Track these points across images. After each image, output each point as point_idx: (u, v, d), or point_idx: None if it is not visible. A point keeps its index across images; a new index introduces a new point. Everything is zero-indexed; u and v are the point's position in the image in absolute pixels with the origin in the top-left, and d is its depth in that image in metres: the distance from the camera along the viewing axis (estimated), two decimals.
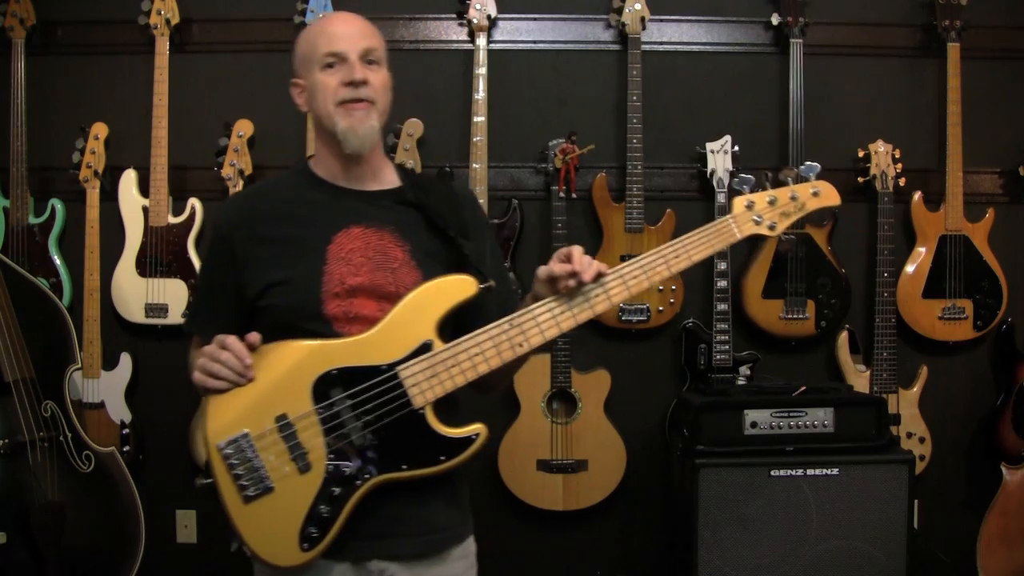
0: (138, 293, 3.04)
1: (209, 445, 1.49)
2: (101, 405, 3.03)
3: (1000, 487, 2.99)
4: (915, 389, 3.11)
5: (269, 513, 1.49)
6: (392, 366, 1.53)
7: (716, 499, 2.58)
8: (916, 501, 2.87)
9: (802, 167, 1.61)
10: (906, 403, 3.10)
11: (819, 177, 1.63)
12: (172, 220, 3.06)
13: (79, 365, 2.82)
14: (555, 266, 1.58)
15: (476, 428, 1.54)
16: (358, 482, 1.50)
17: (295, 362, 1.53)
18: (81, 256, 3.02)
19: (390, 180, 1.72)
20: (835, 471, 2.59)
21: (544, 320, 1.57)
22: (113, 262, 3.05)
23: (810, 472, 2.59)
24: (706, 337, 3.08)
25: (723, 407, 2.70)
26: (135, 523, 2.81)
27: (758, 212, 1.59)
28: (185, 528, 3.21)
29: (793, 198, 1.62)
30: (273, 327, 1.57)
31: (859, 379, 3.08)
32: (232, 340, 1.52)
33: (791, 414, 2.68)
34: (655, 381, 3.21)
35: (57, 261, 3.10)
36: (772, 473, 2.59)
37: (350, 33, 1.64)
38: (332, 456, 1.50)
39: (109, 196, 3.07)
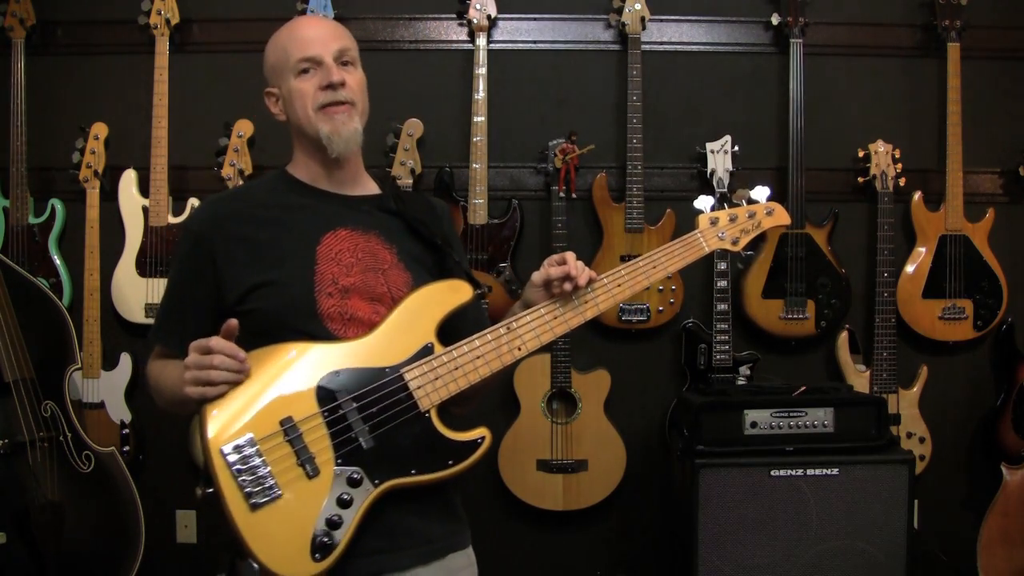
0: (138, 293, 3.04)
1: (211, 451, 1.40)
2: (101, 405, 3.03)
3: (1000, 487, 2.99)
4: (915, 389, 3.11)
5: (278, 521, 1.40)
6: (396, 368, 1.50)
7: (716, 499, 2.58)
8: (916, 501, 2.87)
9: (752, 191, 1.75)
10: (906, 403, 3.10)
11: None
12: (172, 220, 3.06)
13: (79, 365, 2.82)
14: (551, 269, 1.61)
15: (481, 432, 1.52)
16: (368, 487, 1.44)
17: (297, 363, 1.48)
18: (81, 256, 3.02)
19: (370, 187, 1.72)
20: (835, 471, 2.59)
21: (539, 325, 1.59)
22: (113, 262, 3.05)
23: (810, 472, 2.59)
24: (706, 337, 3.08)
25: (723, 407, 2.70)
26: (135, 523, 2.80)
27: (721, 228, 1.72)
28: (185, 528, 3.21)
29: (751, 216, 1.74)
30: (257, 332, 1.52)
31: (859, 379, 3.08)
32: (215, 341, 1.44)
33: (791, 414, 2.68)
34: (655, 381, 3.21)
35: (57, 261, 3.10)
36: (772, 473, 2.59)
37: (321, 36, 1.64)
38: (340, 460, 1.44)
39: (109, 196, 3.07)
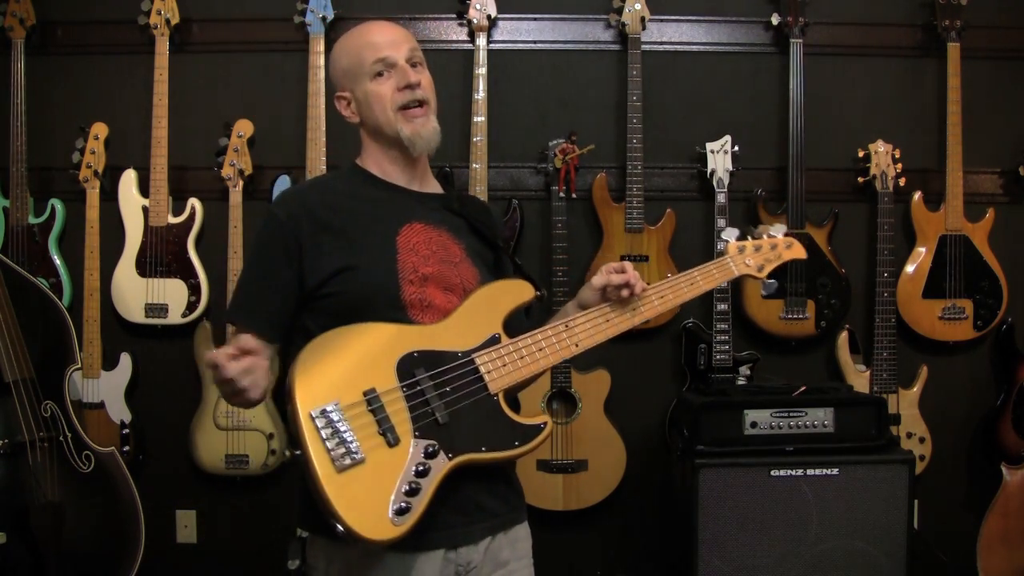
0: (138, 293, 3.04)
1: (300, 414, 1.47)
2: (101, 405, 3.03)
3: (1000, 487, 2.99)
4: (915, 389, 3.11)
5: (361, 484, 1.46)
6: (467, 353, 1.60)
7: (716, 499, 2.58)
8: (916, 501, 2.87)
9: (772, 228, 1.95)
10: (906, 403, 3.10)
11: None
12: (172, 220, 3.06)
13: (79, 365, 2.82)
14: (612, 276, 1.71)
15: (544, 418, 1.62)
16: (444, 460, 1.52)
17: (379, 341, 1.57)
18: (81, 256, 3.02)
19: (435, 186, 1.83)
20: (835, 471, 2.59)
21: (593, 326, 1.70)
22: (113, 262, 3.05)
23: (810, 472, 2.59)
24: (706, 337, 3.08)
25: (723, 407, 2.70)
26: (135, 523, 2.80)
27: (747, 256, 1.90)
28: (185, 528, 3.21)
29: (773, 248, 1.92)
30: (338, 314, 1.59)
31: (859, 379, 3.08)
32: (212, 356, 1.49)
33: (791, 414, 2.68)
34: (655, 381, 3.21)
35: (57, 261, 3.10)
36: (772, 473, 2.59)
37: (394, 39, 1.72)
38: (418, 433, 1.52)
39: (109, 196, 3.07)
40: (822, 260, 3.09)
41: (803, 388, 2.77)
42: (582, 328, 1.68)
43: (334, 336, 1.55)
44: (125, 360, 3.06)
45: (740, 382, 3.02)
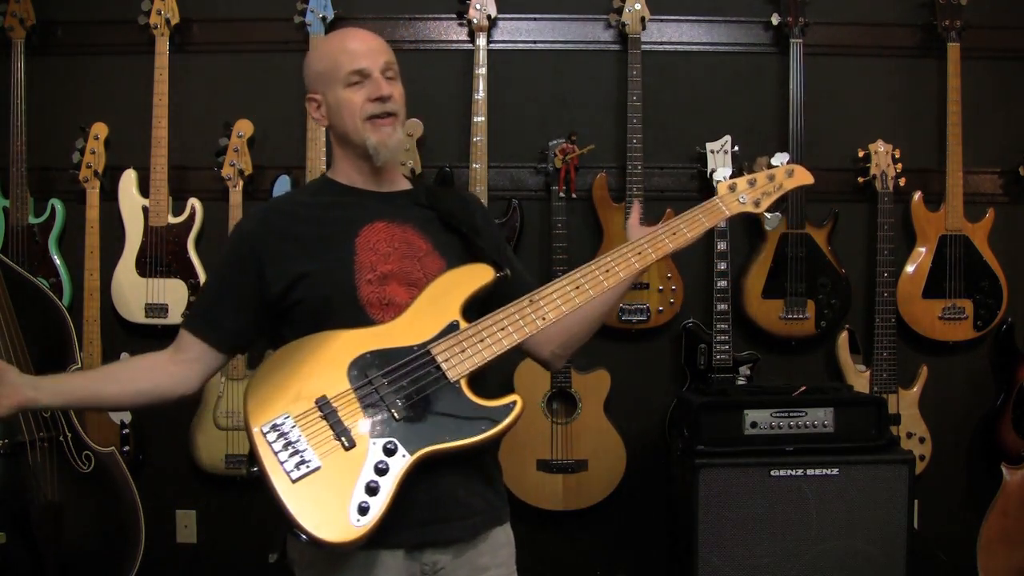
0: (138, 293, 3.04)
1: (252, 431, 1.49)
2: None
3: (1000, 487, 2.99)
4: (915, 389, 3.11)
5: (319, 490, 1.47)
6: (423, 345, 1.58)
7: (716, 499, 2.58)
8: (916, 501, 2.87)
9: (773, 157, 1.79)
10: (906, 403, 3.10)
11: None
12: (172, 220, 3.06)
13: (79, 365, 2.81)
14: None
15: (513, 398, 1.58)
16: (404, 455, 1.50)
17: (331, 348, 1.57)
18: (81, 256, 3.02)
19: (403, 184, 1.82)
20: (835, 471, 2.59)
21: (560, 296, 1.65)
22: (113, 262, 3.05)
23: (810, 472, 2.59)
24: (706, 337, 3.08)
25: (723, 407, 2.70)
26: (135, 523, 2.80)
27: (741, 192, 1.77)
28: (185, 528, 3.21)
29: (771, 178, 1.79)
30: (304, 322, 1.62)
31: (859, 379, 3.08)
32: None
33: (791, 414, 2.68)
34: (655, 381, 3.21)
35: (57, 261, 3.10)
36: (772, 473, 2.59)
37: (371, 49, 1.72)
38: (376, 431, 1.51)
39: (109, 196, 3.08)
40: (822, 260, 3.08)
41: (803, 388, 2.77)
42: (548, 300, 1.64)
43: (284, 353, 1.58)
44: (125, 359, 3.06)
45: (740, 382, 3.02)
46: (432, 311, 1.62)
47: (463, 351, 1.58)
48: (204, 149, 3.08)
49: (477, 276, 1.67)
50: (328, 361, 1.56)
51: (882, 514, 2.59)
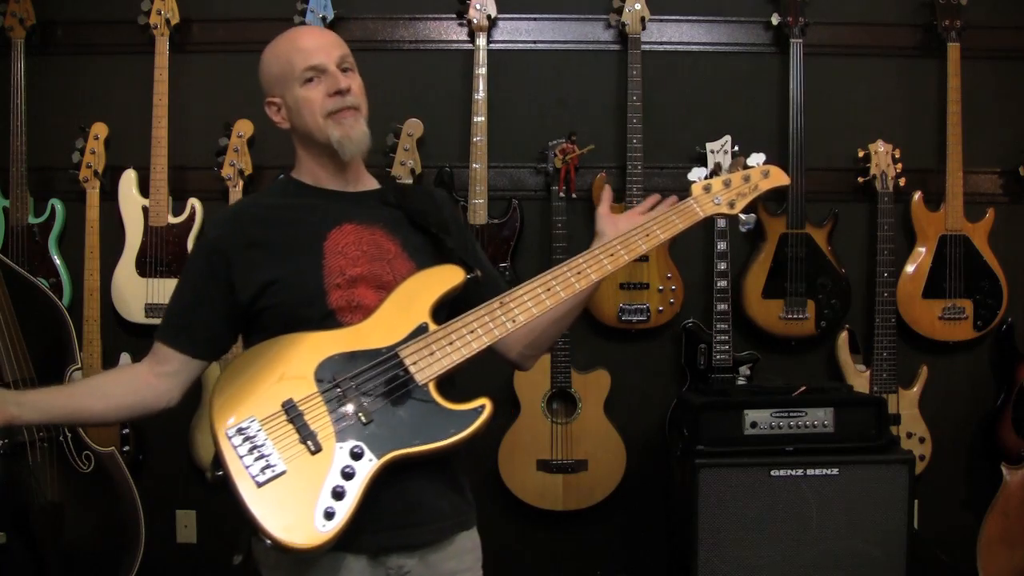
0: (138, 293, 3.04)
1: (217, 435, 1.48)
2: None
3: (1000, 487, 2.99)
4: (915, 389, 3.11)
5: (284, 495, 1.45)
6: (392, 348, 1.56)
7: (716, 499, 2.58)
8: (916, 501, 2.87)
9: (749, 157, 1.78)
10: (906, 403, 3.10)
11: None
12: (172, 220, 3.06)
13: (79, 365, 2.82)
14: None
15: (481, 401, 1.56)
16: (371, 459, 1.48)
17: (298, 351, 1.55)
18: (81, 256, 3.02)
19: (371, 184, 1.79)
20: (835, 471, 2.59)
21: (531, 299, 1.63)
22: (113, 262, 3.05)
23: (810, 472, 2.59)
24: (706, 337, 3.08)
25: (723, 407, 2.70)
26: (135, 523, 2.80)
27: (716, 194, 1.75)
28: (185, 528, 3.21)
29: (746, 179, 1.78)
30: (274, 327, 1.59)
31: (859, 379, 3.08)
32: None
33: (791, 414, 2.68)
34: (655, 381, 3.21)
35: (57, 261, 3.10)
36: (772, 473, 2.59)
37: (323, 44, 1.69)
38: (342, 435, 1.49)
39: (109, 196, 3.07)
40: (822, 260, 3.08)
41: (803, 388, 2.77)
42: (519, 303, 1.61)
43: (251, 354, 1.55)
44: (125, 360, 3.06)
45: (740, 382, 3.02)
46: (401, 313, 1.60)
47: (432, 354, 1.56)
48: (204, 149, 3.08)
49: (447, 277, 1.65)
50: (295, 363, 1.54)
51: (882, 514, 2.59)
